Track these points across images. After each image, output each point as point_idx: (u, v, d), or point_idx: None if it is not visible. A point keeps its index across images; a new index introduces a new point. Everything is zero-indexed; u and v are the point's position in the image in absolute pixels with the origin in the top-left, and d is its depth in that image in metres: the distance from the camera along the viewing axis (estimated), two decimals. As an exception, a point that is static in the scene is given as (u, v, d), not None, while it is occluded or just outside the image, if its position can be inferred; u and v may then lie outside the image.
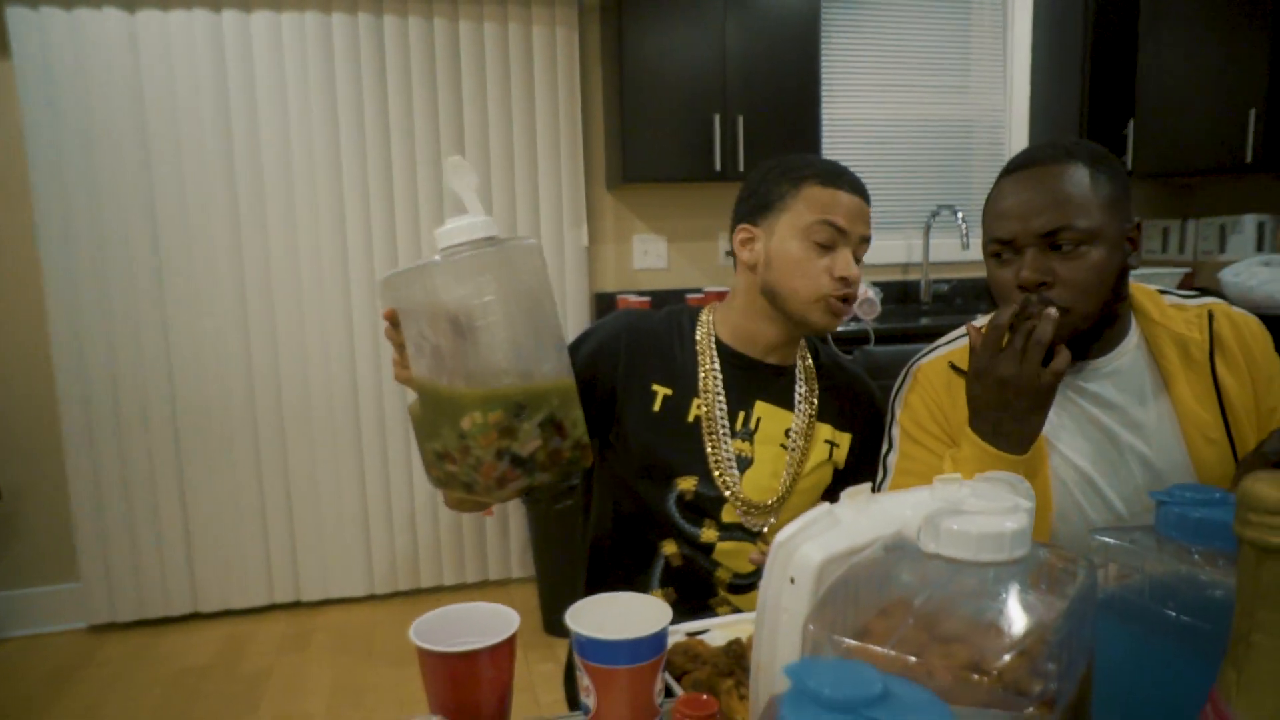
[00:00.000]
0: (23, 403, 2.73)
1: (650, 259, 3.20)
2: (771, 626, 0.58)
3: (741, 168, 2.84)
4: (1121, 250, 0.98)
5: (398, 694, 2.35)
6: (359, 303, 2.84)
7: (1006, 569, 0.49)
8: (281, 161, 2.74)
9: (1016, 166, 1.01)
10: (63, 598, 2.80)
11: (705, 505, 1.17)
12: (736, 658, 0.77)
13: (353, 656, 2.57)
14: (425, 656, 0.69)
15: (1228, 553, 0.54)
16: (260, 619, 2.85)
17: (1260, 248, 3.11)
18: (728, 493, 1.17)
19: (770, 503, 1.19)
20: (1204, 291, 1.14)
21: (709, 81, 2.82)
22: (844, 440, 1.25)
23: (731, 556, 1.19)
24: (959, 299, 3.44)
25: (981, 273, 3.47)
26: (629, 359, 1.19)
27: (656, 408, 1.18)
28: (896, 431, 1.13)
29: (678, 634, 0.85)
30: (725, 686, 0.74)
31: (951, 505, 0.53)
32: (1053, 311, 0.89)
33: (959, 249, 3.35)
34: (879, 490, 1.12)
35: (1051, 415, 1.00)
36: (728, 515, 1.18)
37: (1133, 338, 1.04)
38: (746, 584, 1.20)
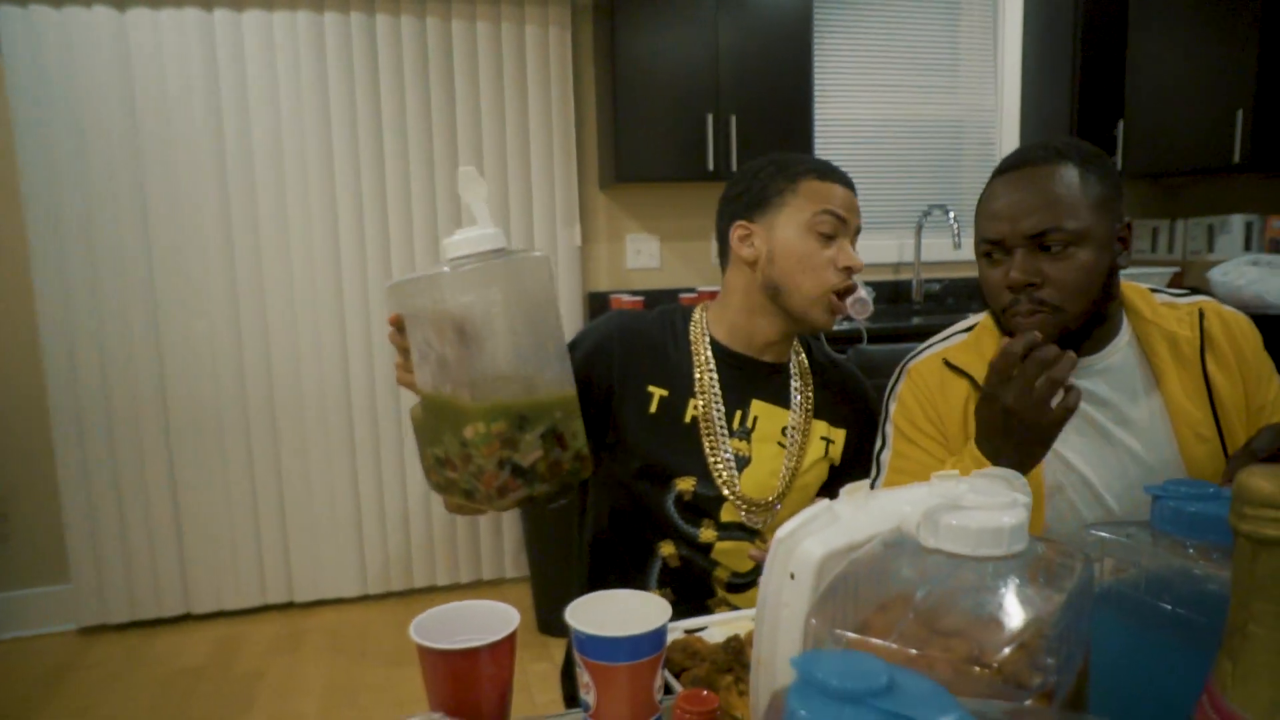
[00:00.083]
0: (13, 404, 2.72)
1: (643, 259, 3.20)
2: (772, 622, 0.58)
3: (734, 167, 2.84)
4: (1111, 250, 0.99)
5: (392, 694, 2.35)
6: (351, 302, 2.84)
7: (1005, 563, 0.50)
8: (274, 161, 2.73)
9: (1007, 167, 1.02)
10: (54, 599, 2.78)
11: (704, 505, 1.18)
12: (735, 654, 0.77)
13: (346, 657, 2.57)
14: (426, 654, 0.69)
15: (1222, 546, 0.55)
16: (253, 620, 2.84)
17: (1248, 247, 3.14)
18: (727, 492, 1.17)
19: (769, 500, 1.19)
20: (1193, 291, 1.15)
21: (701, 81, 2.82)
22: (839, 436, 1.26)
23: (730, 556, 1.19)
24: (951, 298, 3.46)
25: (973, 272, 3.49)
26: (624, 361, 1.19)
27: (653, 409, 1.18)
28: (890, 429, 1.14)
29: (676, 631, 0.86)
30: (724, 683, 0.75)
31: (950, 501, 0.54)
32: (1072, 355, 0.85)
33: (950, 249, 3.37)
34: (873, 487, 1.13)
35: None
36: (727, 514, 1.18)
37: (1124, 335, 1.06)
38: (744, 583, 1.20)
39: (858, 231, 1.20)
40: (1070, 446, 1.03)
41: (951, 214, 3.25)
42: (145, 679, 2.46)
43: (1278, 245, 2.99)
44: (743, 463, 1.19)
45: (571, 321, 3.02)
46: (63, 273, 2.61)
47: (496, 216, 2.91)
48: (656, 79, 2.79)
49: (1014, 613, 0.48)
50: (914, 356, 1.15)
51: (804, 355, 1.29)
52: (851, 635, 0.47)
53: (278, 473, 2.85)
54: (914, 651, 0.45)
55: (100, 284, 2.64)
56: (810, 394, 1.25)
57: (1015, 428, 0.87)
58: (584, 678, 0.68)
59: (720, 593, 1.21)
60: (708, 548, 1.19)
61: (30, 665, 2.57)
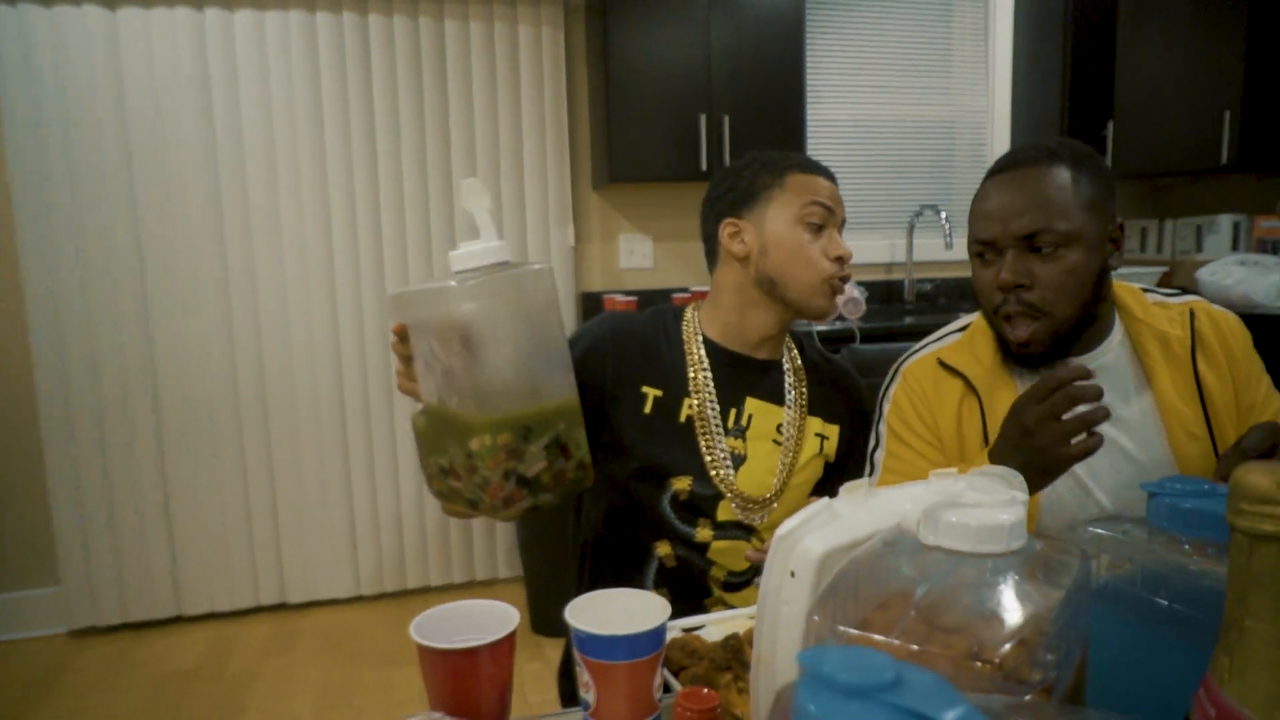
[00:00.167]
0: (2, 404, 2.70)
1: (636, 259, 3.20)
2: (772, 620, 0.59)
3: (727, 167, 2.85)
4: (1102, 251, 1.00)
5: (386, 695, 2.34)
6: (344, 302, 2.83)
7: (1005, 560, 0.50)
8: (266, 160, 2.72)
9: (1000, 168, 1.03)
10: (43, 602, 2.76)
11: (701, 504, 1.18)
12: (734, 652, 0.78)
13: (340, 658, 2.56)
14: (426, 653, 0.69)
15: (1217, 542, 0.56)
16: (245, 621, 2.83)
17: (1235, 247, 3.16)
18: (724, 490, 1.18)
19: (766, 497, 1.20)
20: (1183, 290, 1.16)
21: (694, 81, 2.83)
22: (833, 432, 1.26)
23: (726, 555, 1.19)
24: (942, 298, 3.47)
25: (965, 272, 3.51)
26: (617, 363, 1.19)
27: (648, 410, 1.19)
28: (884, 429, 1.15)
29: (674, 630, 0.86)
30: (723, 681, 0.75)
31: (950, 498, 0.54)
32: (1106, 408, 0.83)
33: (942, 249, 3.39)
34: (868, 486, 1.13)
35: None
36: (723, 513, 1.18)
37: (1116, 335, 1.06)
38: (741, 582, 1.21)
39: (843, 223, 1.23)
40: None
41: (943, 214, 3.27)
42: (137, 681, 2.45)
43: (1265, 245, 3.02)
44: (738, 461, 1.19)
45: (565, 322, 3.01)
46: (52, 272, 2.59)
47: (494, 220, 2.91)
48: (649, 79, 2.79)
49: (1014, 609, 0.48)
50: (908, 357, 1.16)
51: (797, 352, 1.29)
52: (853, 632, 0.48)
53: (270, 473, 2.84)
54: (915, 647, 0.46)
55: (90, 284, 2.62)
56: (804, 390, 1.25)
57: (1028, 449, 0.86)
58: (584, 676, 0.69)
59: (717, 592, 1.21)
60: (704, 547, 1.19)
61: (20, 669, 2.56)
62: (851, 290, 3.01)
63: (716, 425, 1.19)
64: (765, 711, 0.60)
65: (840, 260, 1.18)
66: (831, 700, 0.31)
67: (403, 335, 0.88)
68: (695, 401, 1.19)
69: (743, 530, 1.19)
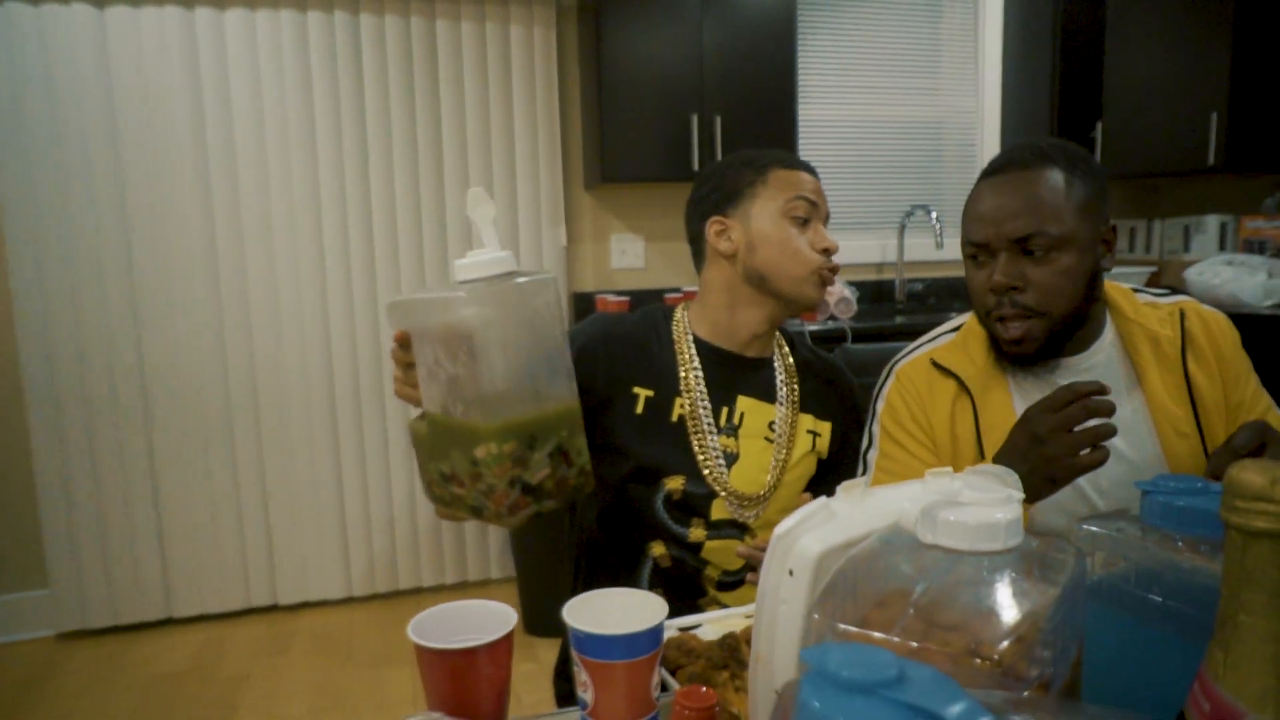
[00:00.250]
0: (-11, 406, 2.68)
1: (628, 259, 3.21)
2: (770, 618, 0.59)
3: (719, 168, 2.85)
4: (1094, 253, 1.01)
5: (378, 696, 2.33)
6: (335, 301, 2.82)
7: (1002, 558, 0.51)
8: (257, 159, 2.71)
9: (993, 169, 1.03)
10: (31, 605, 2.74)
11: (694, 503, 1.18)
12: (731, 651, 0.78)
13: (332, 659, 2.55)
14: (424, 653, 0.69)
15: (1210, 539, 0.56)
16: (237, 623, 2.82)
17: (1223, 247, 3.19)
18: (718, 489, 1.18)
19: (759, 495, 1.20)
20: (1172, 290, 1.17)
21: (686, 82, 2.83)
22: (825, 429, 1.27)
23: (720, 554, 1.20)
24: (933, 298, 3.49)
25: (955, 272, 3.53)
26: (608, 364, 1.19)
27: (639, 410, 1.19)
28: (877, 429, 1.15)
29: (670, 629, 0.86)
30: (721, 680, 0.75)
31: (947, 497, 0.55)
32: (1123, 428, 0.84)
33: (933, 249, 3.40)
34: (860, 485, 1.14)
35: None
36: (717, 512, 1.19)
37: (1108, 335, 1.07)
38: (735, 581, 1.21)
39: (828, 217, 1.23)
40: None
41: (934, 214, 3.29)
42: (126, 685, 2.43)
43: (1252, 245, 3.05)
44: (731, 459, 1.20)
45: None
46: (41, 273, 2.57)
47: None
48: (641, 79, 2.80)
49: (1011, 606, 0.49)
50: (902, 358, 1.16)
51: (788, 350, 1.30)
52: (853, 630, 0.48)
53: (261, 474, 2.83)
54: (914, 645, 0.46)
55: (78, 284, 2.61)
56: (795, 387, 1.26)
57: (1037, 457, 0.87)
58: (581, 676, 0.69)
59: (711, 591, 1.21)
60: (697, 547, 1.19)
61: (7, 673, 2.54)
62: (843, 290, 3.02)
63: (709, 424, 1.19)
64: (763, 709, 0.61)
65: (827, 252, 1.19)
66: (835, 696, 0.32)
67: (404, 342, 0.88)
68: (687, 401, 1.19)
69: (736, 529, 1.20)
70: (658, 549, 1.20)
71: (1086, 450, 0.85)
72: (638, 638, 0.67)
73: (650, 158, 2.85)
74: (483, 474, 0.77)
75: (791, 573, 0.58)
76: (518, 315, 0.79)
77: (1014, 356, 1.04)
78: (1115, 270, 3.13)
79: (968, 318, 1.15)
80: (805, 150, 3.26)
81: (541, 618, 2.63)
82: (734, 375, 1.23)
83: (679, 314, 1.26)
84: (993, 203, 1.00)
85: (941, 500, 0.54)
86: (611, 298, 3.02)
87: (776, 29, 2.88)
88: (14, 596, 2.74)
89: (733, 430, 1.20)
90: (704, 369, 1.21)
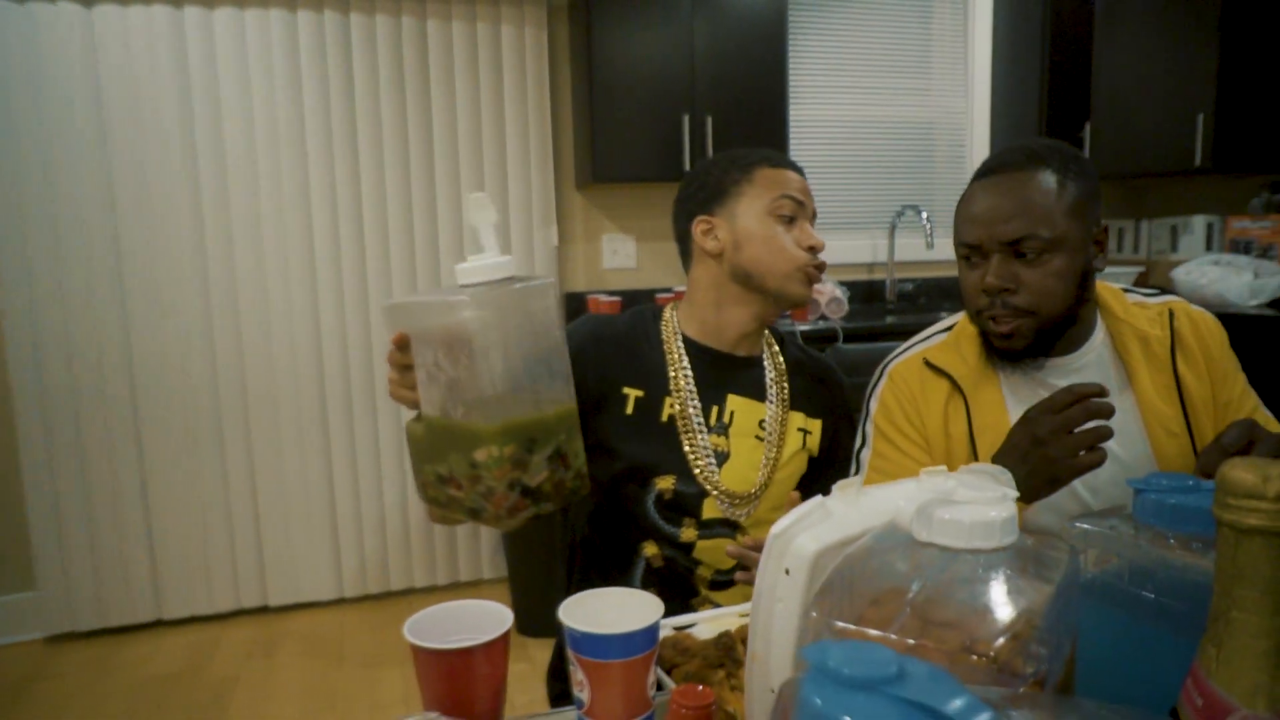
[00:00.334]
0: (-25, 407, 2.65)
1: (619, 259, 3.21)
2: (767, 617, 0.59)
3: (710, 168, 2.86)
4: (1086, 254, 1.01)
5: (370, 698, 2.33)
6: (326, 302, 2.81)
7: (997, 556, 0.51)
8: (246, 159, 2.70)
9: (986, 171, 1.04)
10: (18, 607, 2.72)
11: (685, 503, 1.18)
12: (726, 650, 0.78)
13: (323, 661, 2.54)
14: (420, 654, 0.69)
15: (1202, 537, 0.57)
16: (227, 625, 2.80)
17: (1209, 247, 3.22)
18: (709, 488, 1.18)
19: (750, 493, 1.20)
20: (1161, 290, 1.18)
21: (677, 82, 2.84)
22: (816, 427, 1.27)
23: (712, 554, 1.20)
24: (924, 298, 3.51)
25: (946, 272, 3.55)
26: (598, 365, 1.19)
27: (629, 410, 1.19)
28: (870, 428, 1.16)
29: (665, 628, 0.86)
30: (716, 678, 0.75)
31: (942, 495, 0.55)
32: (1113, 427, 0.86)
33: (924, 249, 3.42)
34: (856, 485, 1.14)
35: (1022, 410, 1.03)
36: (708, 511, 1.19)
37: (1099, 335, 1.08)
38: (727, 580, 1.21)
39: (814, 216, 1.23)
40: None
41: (924, 214, 3.30)
42: (115, 688, 2.42)
43: (1238, 245, 3.07)
44: (722, 458, 1.20)
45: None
46: (28, 274, 2.55)
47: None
48: (632, 80, 2.80)
49: (1007, 604, 0.49)
50: (895, 358, 1.17)
51: (778, 348, 1.30)
52: (850, 627, 0.48)
53: (251, 474, 2.81)
54: (911, 642, 0.47)
55: (66, 283, 2.59)
56: (785, 385, 1.26)
57: (1037, 458, 0.87)
58: (578, 675, 0.69)
59: (704, 591, 1.22)
60: (689, 547, 1.19)
61: (-5, 675, 2.52)
62: (834, 290, 3.03)
63: (699, 423, 1.20)
64: (759, 708, 0.61)
65: (813, 249, 1.19)
66: (836, 693, 0.32)
67: (402, 344, 0.88)
68: (676, 401, 1.19)
69: (728, 527, 1.20)
70: (650, 549, 1.20)
71: (1084, 451, 0.86)
72: (634, 637, 0.67)
73: (641, 158, 2.85)
74: (482, 476, 0.77)
75: (788, 571, 0.58)
76: (519, 319, 0.80)
77: (1002, 352, 1.05)
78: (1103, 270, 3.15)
79: (960, 317, 1.15)
80: (796, 150, 3.27)
81: (534, 618, 2.63)
82: (724, 374, 1.23)
83: (668, 314, 1.27)
84: (985, 204, 1.01)
85: (937, 499, 0.54)
86: (603, 298, 3.02)
87: (767, 29, 2.89)
88: (2, 599, 2.72)
89: (723, 429, 1.21)
90: (693, 368, 1.21)
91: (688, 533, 1.19)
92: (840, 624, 0.48)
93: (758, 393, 1.24)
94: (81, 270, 2.60)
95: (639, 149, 2.84)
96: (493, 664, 0.71)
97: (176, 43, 2.60)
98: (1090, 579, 0.61)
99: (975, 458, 1.05)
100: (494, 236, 0.82)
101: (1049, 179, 0.99)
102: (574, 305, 3.12)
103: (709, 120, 2.86)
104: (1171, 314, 1.08)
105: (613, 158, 2.82)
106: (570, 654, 0.69)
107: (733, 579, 1.21)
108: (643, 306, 1.30)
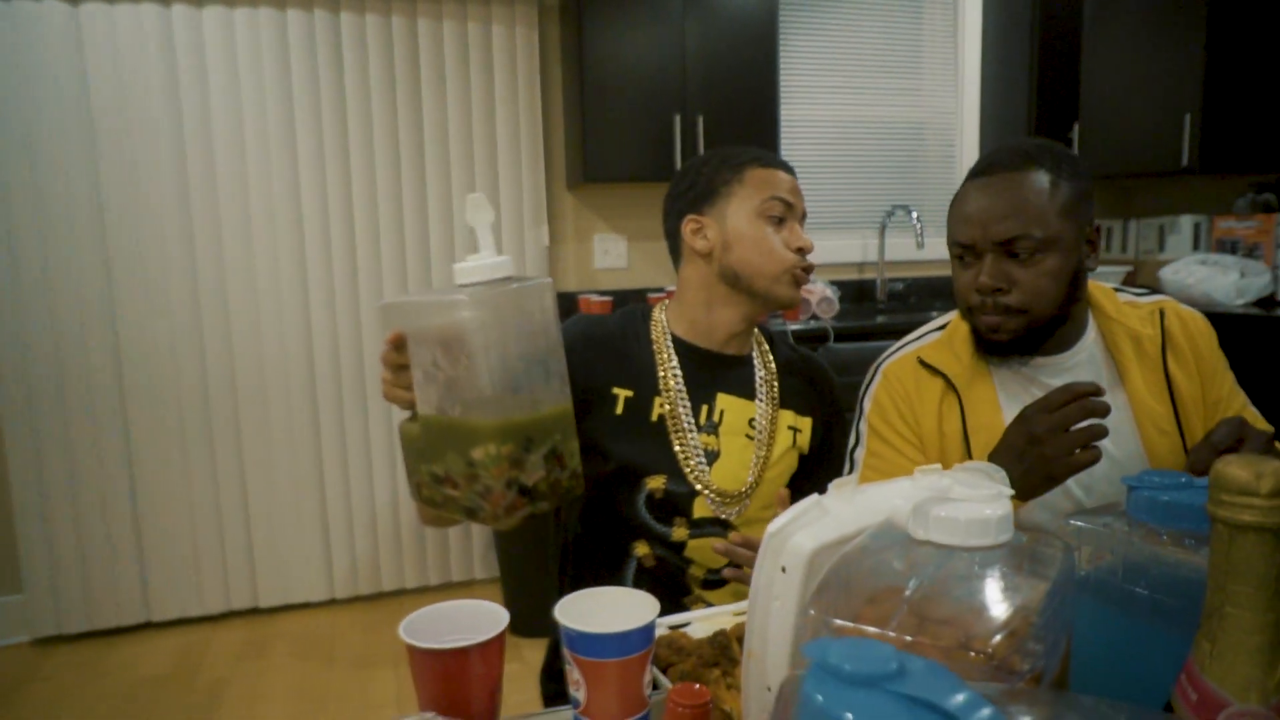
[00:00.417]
0: (-39, 408, 2.63)
1: (611, 258, 3.20)
2: (763, 615, 0.59)
3: (702, 168, 2.86)
4: (1078, 254, 1.02)
5: (361, 699, 2.32)
6: (316, 301, 2.80)
7: (993, 553, 0.51)
8: (236, 158, 2.68)
9: (979, 171, 1.04)
10: (4, 610, 2.69)
11: (676, 502, 1.19)
12: (722, 648, 0.79)
13: (314, 663, 2.53)
14: (416, 654, 0.69)
15: (1195, 533, 0.57)
16: (217, 627, 2.79)
17: (1196, 247, 3.24)
18: (699, 486, 1.18)
19: (741, 492, 1.21)
20: (1150, 290, 1.19)
21: (668, 81, 2.84)
22: (805, 425, 1.27)
23: (703, 553, 1.20)
24: (914, 297, 3.52)
25: (936, 271, 3.56)
26: (587, 366, 1.19)
27: (619, 411, 1.19)
28: (864, 427, 1.16)
29: (660, 628, 0.87)
30: (712, 677, 0.76)
31: (938, 494, 0.55)
32: (1106, 426, 0.87)
33: (914, 248, 3.43)
34: (850, 483, 1.15)
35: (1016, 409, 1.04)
36: (699, 510, 1.19)
37: (1090, 334, 1.09)
38: (719, 579, 1.22)
39: (804, 216, 1.23)
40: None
41: (915, 214, 3.31)
42: (104, 691, 2.40)
43: (1224, 245, 3.10)
44: (712, 457, 1.20)
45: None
46: (15, 272, 2.53)
47: (463, 218, 2.89)
48: (623, 79, 2.80)
49: (1003, 601, 0.49)
50: (888, 356, 1.17)
51: (767, 347, 1.31)
52: (847, 625, 0.49)
53: (241, 475, 2.80)
54: (908, 639, 0.47)
55: (54, 283, 2.57)
56: (775, 384, 1.26)
57: (1034, 456, 0.88)
58: (574, 675, 0.69)
59: (696, 590, 1.22)
60: (680, 546, 1.19)
61: (-19, 679, 2.50)
62: (824, 289, 3.04)
63: (689, 422, 1.20)
64: (756, 706, 0.61)
65: (801, 251, 1.20)
66: (838, 690, 0.32)
67: (398, 344, 0.88)
68: (666, 400, 1.19)
69: (719, 526, 1.20)
70: (641, 549, 1.20)
71: (1080, 449, 0.87)
72: (630, 636, 0.67)
73: (633, 157, 2.85)
74: (479, 475, 0.78)
75: (784, 570, 0.59)
76: (518, 318, 0.80)
77: (990, 345, 1.06)
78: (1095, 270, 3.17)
79: (953, 316, 1.16)
80: (787, 150, 3.28)
81: (526, 618, 2.62)
82: (713, 373, 1.23)
83: (657, 314, 1.27)
84: (978, 204, 1.01)
85: (933, 497, 0.55)
86: (594, 298, 3.02)
87: (758, 29, 2.89)
88: (-13, 602, 2.70)
89: (713, 428, 1.21)
90: (683, 368, 1.22)
91: (679, 532, 1.19)
92: (838, 621, 0.48)
93: (747, 391, 1.24)
94: (69, 269, 2.57)
95: (630, 149, 2.84)
96: (489, 664, 0.71)
97: (165, 41, 2.58)
98: (1085, 576, 0.62)
99: (969, 456, 1.06)
100: (491, 239, 0.83)
101: (1042, 179, 1.00)
102: (565, 305, 3.12)
103: (700, 120, 2.86)
104: (1162, 313, 1.09)
105: (604, 157, 2.82)
106: (566, 653, 0.69)
107: (724, 577, 1.21)
108: (633, 306, 1.30)
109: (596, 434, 1.18)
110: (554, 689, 1.29)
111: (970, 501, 0.53)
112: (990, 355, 1.08)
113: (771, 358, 1.29)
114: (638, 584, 1.20)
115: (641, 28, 2.79)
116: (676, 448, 1.18)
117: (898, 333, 1.22)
